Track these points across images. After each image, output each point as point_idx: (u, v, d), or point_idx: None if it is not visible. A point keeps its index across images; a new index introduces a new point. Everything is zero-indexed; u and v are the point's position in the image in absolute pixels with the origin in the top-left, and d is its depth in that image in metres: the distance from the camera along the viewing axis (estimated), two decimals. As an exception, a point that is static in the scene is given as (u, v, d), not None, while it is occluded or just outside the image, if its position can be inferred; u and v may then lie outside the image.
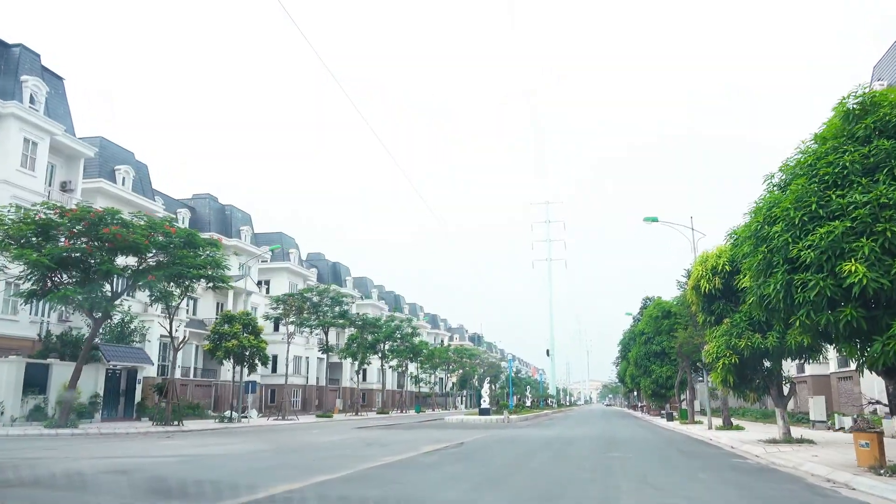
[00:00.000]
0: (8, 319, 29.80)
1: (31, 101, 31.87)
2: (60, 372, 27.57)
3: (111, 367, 30.95)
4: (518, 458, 13.25)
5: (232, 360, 34.37)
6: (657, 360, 44.07)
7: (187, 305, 46.99)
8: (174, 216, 45.89)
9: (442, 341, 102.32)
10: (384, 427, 30.43)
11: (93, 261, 23.23)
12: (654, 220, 30.25)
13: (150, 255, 25.12)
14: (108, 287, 25.38)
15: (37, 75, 32.65)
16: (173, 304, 29.90)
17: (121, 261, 25.68)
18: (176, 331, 36.47)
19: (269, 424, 33.59)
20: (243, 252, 52.22)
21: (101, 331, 33.12)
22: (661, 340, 43.08)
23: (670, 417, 37.22)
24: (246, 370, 35.86)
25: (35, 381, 27.06)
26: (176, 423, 28.47)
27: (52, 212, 23.44)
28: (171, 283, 25.82)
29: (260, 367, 50.80)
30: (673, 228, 30.90)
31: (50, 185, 33.85)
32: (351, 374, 66.29)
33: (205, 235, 49.99)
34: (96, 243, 23.66)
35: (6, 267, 23.37)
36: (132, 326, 34.28)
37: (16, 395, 26.01)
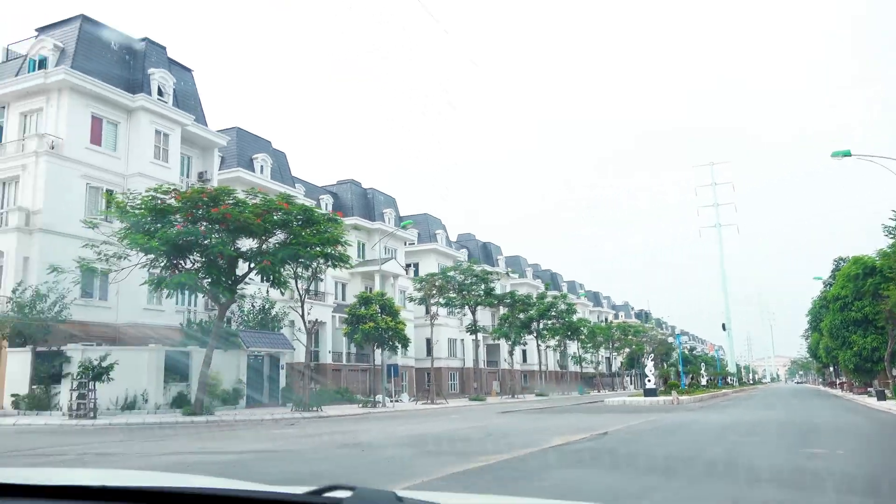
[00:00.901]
0: (154, 310, 30.20)
1: (160, 93, 32.12)
2: (200, 359, 27.30)
3: (251, 353, 30.52)
4: (669, 461, 9.66)
5: (371, 343, 32.93)
6: (858, 329, 37.37)
7: (335, 290, 46.80)
8: (316, 202, 45.68)
9: (605, 319, 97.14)
10: (531, 412, 27.43)
11: (207, 243, 22.22)
12: (846, 154, 24.51)
13: (267, 235, 23.78)
14: (230, 270, 24.47)
15: (164, 67, 32.89)
16: (303, 285, 28.79)
17: (243, 244, 24.70)
18: (311, 315, 35.76)
19: (413, 409, 31.84)
20: (387, 235, 51.21)
21: (244, 318, 33.10)
22: (863, 305, 36.35)
23: (881, 396, 30.88)
24: (387, 353, 34.34)
25: (176, 369, 26.99)
26: (315, 408, 27.35)
27: (168, 196, 22.73)
28: (288, 266, 24.40)
29: (413, 350, 49.90)
30: (873, 163, 24.96)
31: (187, 176, 34.17)
32: (506, 355, 63.82)
33: (347, 220, 49.82)
34: (209, 225, 22.65)
35: (128, 256, 23.00)
36: (273, 312, 33.85)
37: (157, 383, 25.96)
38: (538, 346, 57.43)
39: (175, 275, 22.49)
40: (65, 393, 23.45)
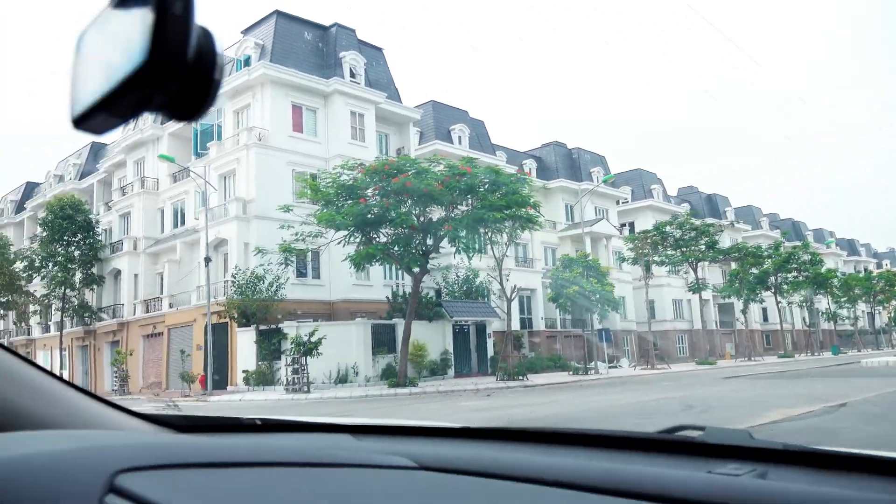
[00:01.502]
0: (363, 285, 31.24)
1: (352, 74, 32.93)
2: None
3: (456, 322, 30.39)
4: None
5: (577, 308, 31.20)
6: None
7: (544, 256, 45.50)
8: (518, 168, 44.61)
9: (864, 269, 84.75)
10: (762, 377, 23.97)
11: (393, 214, 22.06)
12: None
13: (454, 202, 23.07)
14: (423, 241, 24.23)
15: (354, 49, 33.65)
16: (500, 251, 27.88)
17: (435, 214, 24.32)
18: (519, 282, 34.80)
19: (628, 375, 29.64)
20: (587, 192, 48.63)
21: (449, 288, 33.15)
22: None
23: None
24: (597, 317, 32.38)
25: (383, 342, 27.63)
26: (520, 377, 26.47)
27: (355, 171, 22.96)
28: (475, 232, 23.51)
29: (633, 313, 47.09)
30: None
31: (385, 153, 34.81)
32: (738, 314, 58.06)
33: (552, 183, 48.13)
34: (396, 197, 22.47)
35: (323, 234, 23.64)
36: (478, 281, 33.47)
37: (366, 355, 26.75)
38: (777, 302, 51.26)
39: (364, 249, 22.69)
40: (283, 368, 24.97)
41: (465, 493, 0.87)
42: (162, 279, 33.95)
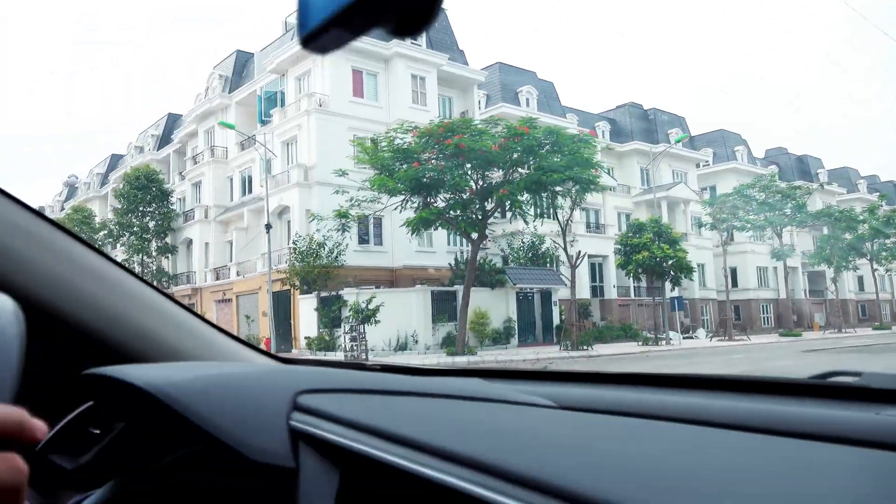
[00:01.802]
0: (425, 251, 30.80)
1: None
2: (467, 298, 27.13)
3: (520, 290, 29.56)
4: None
5: (648, 275, 29.78)
6: None
7: (618, 221, 43.79)
8: (587, 131, 42.92)
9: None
10: (848, 351, 22.16)
11: (447, 178, 21.35)
12: None
13: (512, 165, 22.13)
14: (482, 205, 23.46)
15: (414, 9, 32.76)
16: (564, 216, 26.81)
17: (495, 177, 23.47)
18: (591, 248, 33.63)
19: (702, 347, 28.16)
20: (673, 157, 46.38)
21: (514, 255, 32.31)
22: None
23: None
24: (669, 284, 30.84)
25: (444, 310, 27.14)
26: (585, 347, 25.53)
27: (409, 134, 22.34)
28: (533, 196, 22.53)
29: (713, 281, 44.87)
30: None
31: (448, 117, 33.99)
32: (829, 283, 54.63)
33: (626, 146, 46.16)
34: (452, 160, 21.75)
35: (379, 199, 23.19)
36: (544, 247, 32.43)
37: (426, 323, 26.36)
38: (873, 270, 47.78)
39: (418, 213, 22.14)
40: (343, 335, 24.90)
41: (616, 432, 0.78)
42: (231, 247, 34.57)
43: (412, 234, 23.96)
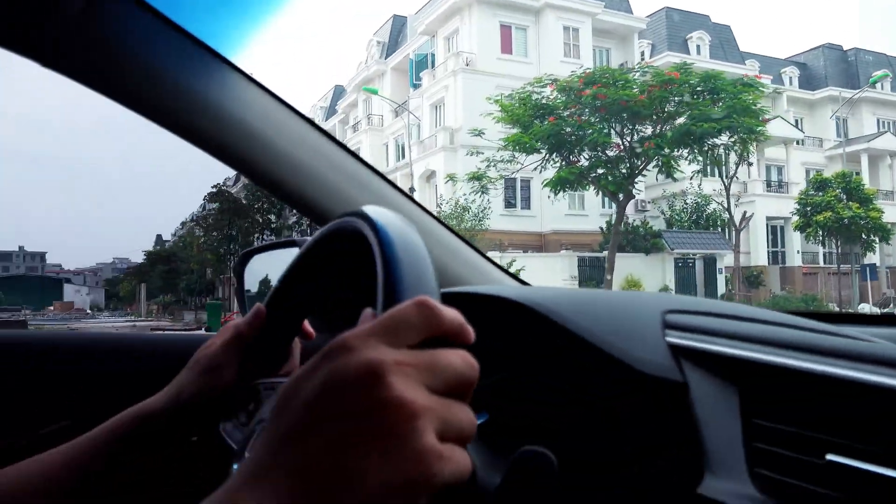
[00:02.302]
0: (576, 215, 29.27)
1: (564, -15, 30.19)
2: (617, 264, 25.35)
3: (678, 256, 27.12)
4: None
5: (832, 239, 25.96)
6: None
7: (804, 179, 38.83)
8: (772, 78, 38.32)
9: None
10: None
11: (584, 133, 19.71)
12: None
13: (663, 117, 19.94)
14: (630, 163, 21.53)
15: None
16: (731, 172, 24.06)
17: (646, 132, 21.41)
18: (769, 210, 30.14)
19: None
20: (877, 104, 40.21)
21: (676, 217, 29.74)
22: None
23: None
24: (860, 251, 26.73)
25: (591, 277, 25.58)
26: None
27: (547, 88, 20.92)
28: (684, 149, 20.12)
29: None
30: None
31: (605, 70, 31.87)
32: None
33: (818, 93, 40.66)
34: (589, 112, 20.06)
35: (515, 159, 22.03)
36: (710, 209, 29.50)
37: (572, 290, 25.04)
38: None
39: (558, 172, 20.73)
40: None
41: None
42: (387, 212, 35.14)
43: (553, 196, 22.56)
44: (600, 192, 25.07)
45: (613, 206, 30.08)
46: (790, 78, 41.10)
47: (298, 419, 0.38)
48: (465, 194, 25.74)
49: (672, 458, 0.63)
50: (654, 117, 19.90)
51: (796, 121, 40.10)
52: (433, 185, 30.22)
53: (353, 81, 40.39)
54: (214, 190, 34.75)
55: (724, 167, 23.31)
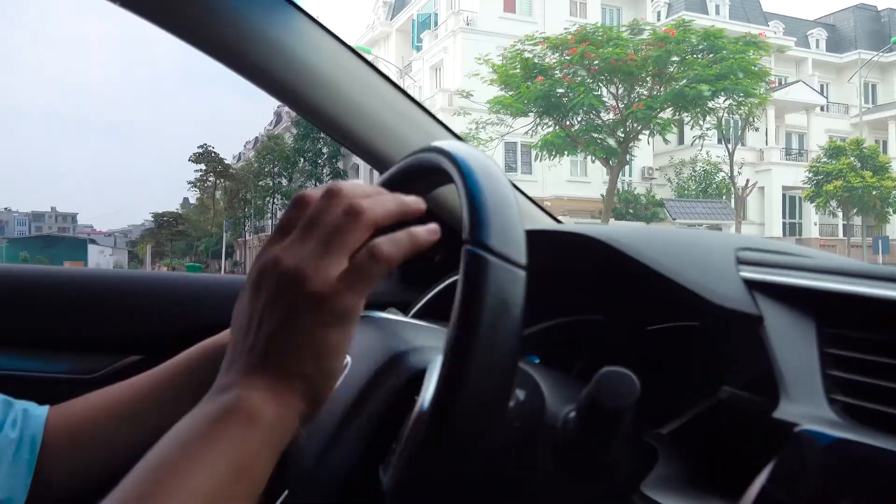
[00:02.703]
0: (578, 181, 28.40)
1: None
2: (616, 233, 24.56)
3: (681, 225, 26.13)
4: None
5: (846, 209, 24.75)
6: None
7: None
8: (795, 41, 36.59)
9: None
10: None
11: (572, 93, 18.79)
12: None
13: (652, 75, 18.90)
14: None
15: None
16: (734, 137, 22.96)
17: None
18: (784, 179, 28.97)
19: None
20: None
21: (682, 185, 28.69)
22: None
23: None
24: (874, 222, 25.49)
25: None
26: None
27: (538, 47, 19.97)
28: (679, 112, 19.07)
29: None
30: None
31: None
32: None
33: (846, 56, 38.70)
34: (578, 72, 19.10)
35: (505, 121, 21.20)
36: (719, 177, 28.34)
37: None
38: None
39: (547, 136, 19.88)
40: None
41: None
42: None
43: (549, 159, 21.73)
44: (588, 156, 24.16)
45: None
46: (817, 40, 39.21)
47: (247, 322, 0.48)
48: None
49: (747, 387, 0.65)
50: (651, 79, 18.85)
51: (822, 86, 38.32)
52: (433, 149, 29.49)
53: (356, 43, 39.52)
54: (200, 150, 34.49)
55: (728, 132, 22.14)
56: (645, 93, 19.21)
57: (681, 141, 30.41)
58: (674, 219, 25.61)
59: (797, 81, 34.32)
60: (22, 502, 0.66)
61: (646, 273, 0.68)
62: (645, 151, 30.67)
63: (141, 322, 1.29)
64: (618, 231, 0.77)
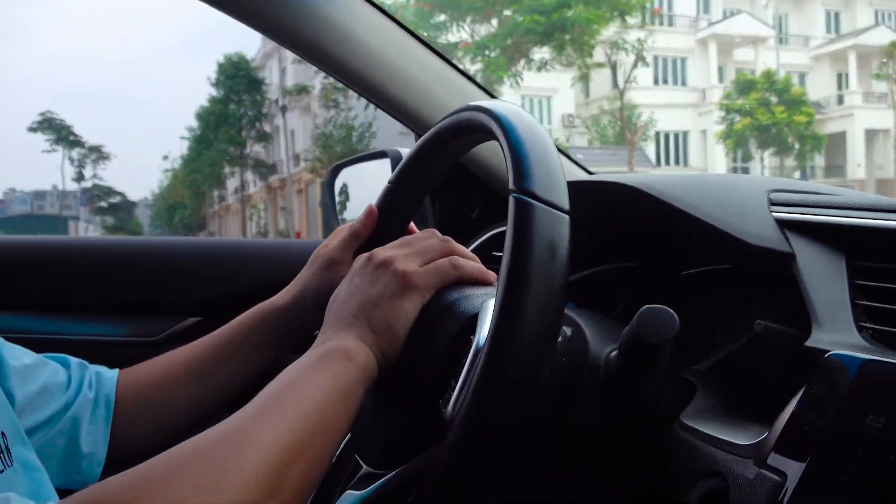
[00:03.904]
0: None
1: None
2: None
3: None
4: None
5: (759, 149, 22.50)
6: None
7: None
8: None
9: None
10: None
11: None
12: None
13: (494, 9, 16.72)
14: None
15: None
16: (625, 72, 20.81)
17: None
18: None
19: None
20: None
21: (600, 135, 26.58)
22: None
23: None
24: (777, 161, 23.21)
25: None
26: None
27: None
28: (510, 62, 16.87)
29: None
30: None
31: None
32: None
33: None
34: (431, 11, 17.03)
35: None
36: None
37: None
38: None
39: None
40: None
41: None
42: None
43: None
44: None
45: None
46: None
47: (347, 296, 0.62)
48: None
49: (780, 320, 0.67)
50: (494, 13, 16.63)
51: (780, 17, 35.40)
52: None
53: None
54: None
55: (617, 71, 19.92)
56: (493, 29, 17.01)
57: (615, 85, 28.23)
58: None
59: (739, 13, 31.56)
60: (103, 456, 0.74)
61: (682, 218, 0.71)
62: (566, 97, 28.59)
63: (197, 286, 1.36)
64: (653, 179, 0.80)
